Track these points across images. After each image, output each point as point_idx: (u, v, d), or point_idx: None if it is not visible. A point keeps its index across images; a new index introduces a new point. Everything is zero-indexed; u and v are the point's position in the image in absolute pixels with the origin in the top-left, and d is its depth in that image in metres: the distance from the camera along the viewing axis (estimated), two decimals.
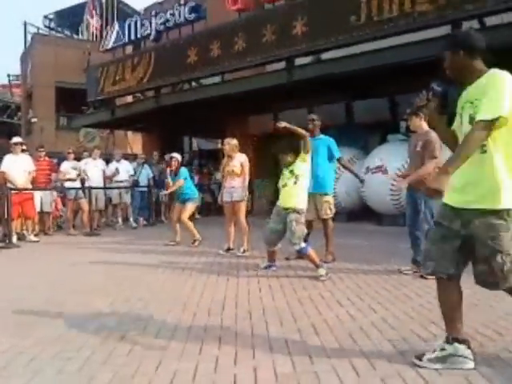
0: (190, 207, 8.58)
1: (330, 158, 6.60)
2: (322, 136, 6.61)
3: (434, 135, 5.43)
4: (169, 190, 8.87)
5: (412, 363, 2.89)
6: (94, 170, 11.35)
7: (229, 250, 7.42)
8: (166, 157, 8.69)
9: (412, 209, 5.60)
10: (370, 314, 3.99)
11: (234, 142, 7.49)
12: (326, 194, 6.44)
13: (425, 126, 5.55)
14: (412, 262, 5.64)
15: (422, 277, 5.30)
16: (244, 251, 7.16)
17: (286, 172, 5.73)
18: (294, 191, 5.61)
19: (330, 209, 6.48)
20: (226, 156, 7.50)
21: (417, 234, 5.57)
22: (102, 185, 11.56)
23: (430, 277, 5.20)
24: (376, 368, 2.86)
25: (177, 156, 8.92)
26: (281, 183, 5.78)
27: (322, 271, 5.39)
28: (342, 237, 7.74)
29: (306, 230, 5.69)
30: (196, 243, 8.29)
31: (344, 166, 7.16)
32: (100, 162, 11.72)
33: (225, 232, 7.61)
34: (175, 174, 8.69)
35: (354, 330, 3.55)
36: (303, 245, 5.50)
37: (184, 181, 8.57)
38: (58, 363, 3.06)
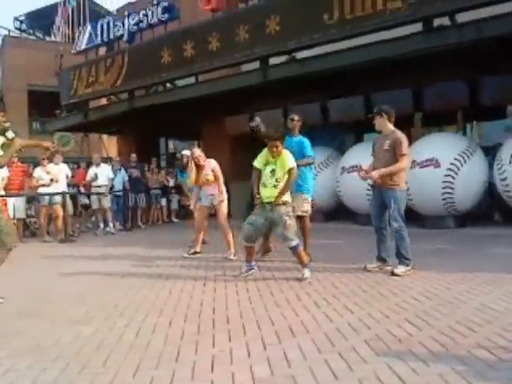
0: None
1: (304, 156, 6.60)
2: (299, 136, 6.62)
3: (400, 134, 5.56)
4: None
5: (388, 363, 2.91)
6: (59, 175, 11.12)
7: (195, 253, 7.43)
8: (179, 155, 8.58)
9: (377, 208, 5.72)
10: (346, 314, 4.01)
11: (198, 152, 7.44)
12: (303, 193, 6.43)
13: (390, 125, 5.65)
14: (377, 259, 5.78)
15: (392, 274, 5.40)
16: (234, 254, 7.01)
17: (267, 170, 5.52)
18: (275, 190, 5.44)
19: (307, 207, 6.48)
20: (195, 165, 7.38)
21: (383, 232, 5.69)
22: (66, 189, 11.37)
23: (402, 274, 5.36)
24: (353, 369, 2.88)
25: (186, 153, 8.64)
26: (262, 180, 5.59)
27: (307, 273, 5.36)
28: (319, 237, 7.76)
29: (295, 224, 5.56)
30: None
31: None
32: (63, 167, 11.49)
33: (195, 237, 7.57)
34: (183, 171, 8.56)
35: (330, 331, 3.56)
36: (298, 240, 5.43)
37: None
38: (34, 374, 3.03)
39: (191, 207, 8.07)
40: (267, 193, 5.48)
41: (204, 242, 8.09)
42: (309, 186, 6.55)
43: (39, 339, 3.70)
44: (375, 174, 5.53)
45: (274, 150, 5.48)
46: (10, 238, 4.85)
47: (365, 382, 2.68)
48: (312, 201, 6.59)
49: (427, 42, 8.91)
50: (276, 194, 5.41)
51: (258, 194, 5.58)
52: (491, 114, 10.90)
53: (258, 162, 5.70)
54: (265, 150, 5.68)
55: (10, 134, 5.01)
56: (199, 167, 7.32)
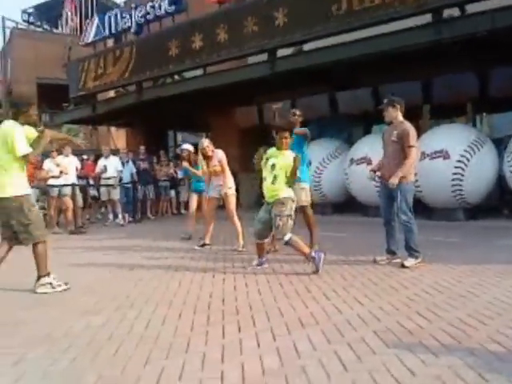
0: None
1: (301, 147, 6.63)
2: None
3: (408, 125, 5.51)
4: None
5: (397, 355, 2.91)
6: (68, 167, 11.13)
7: (204, 245, 7.45)
8: (178, 150, 8.43)
9: (386, 200, 5.69)
10: (356, 306, 4.01)
11: (206, 143, 7.45)
12: (300, 182, 6.40)
13: (400, 116, 5.61)
14: (386, 251, 5.77)
15: (402, 266, 5.39)
16: (243, 246, 7.04)
17: (269, 163, 5.56)
18: (274, 187, 5.48)
19: (306, 195, 6.45)
20: (203, 156, 7.41)
21: (392, 224, 5.67)
22: (76, 181, 11.41)
23: (412, 266, 5.35)
24: (363, 360, 2.88)
25: (187, 147, 8.63)
26: (263, 174, 5.68)
27: (317, 264, 5.29)
28: (328, 229, 7.76)
29: (291, 222, 5.53)
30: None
31: None
32: (73, 159, 11.53)
33: (205, 228, 7.59)
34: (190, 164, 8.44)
35: (340, 323, 3.56)
36: (289, 236, 5.38)
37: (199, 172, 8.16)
38: (44, 364, 3.04)
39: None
40: (268, 191, 5.55)
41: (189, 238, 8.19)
42: (303, 175, 6.53)
43: (50, 329, 3.72)
44: (393, 181, 5.41)
45: (284, 141, 5.55)
46: (39, 232, 4.98)
47: (374, 374, 2.68)
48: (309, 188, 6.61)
49: (437, 34, 8.83)
50: (274, 193, 5.47)
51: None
52: (501, 105, 10.81)
53: (266, 155, 5.80)
54: (273, 148, 5.75)
55: (40, 128, 5.10)
56: (207, 158, 7.33)
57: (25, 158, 4.87)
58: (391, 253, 5.71)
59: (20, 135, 4.82)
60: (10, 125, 4.89)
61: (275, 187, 5.47)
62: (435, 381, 2.58)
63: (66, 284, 5.05)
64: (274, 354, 3.02)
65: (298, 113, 6.72)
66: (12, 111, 5.03)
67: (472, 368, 2.70)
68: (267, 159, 5.66)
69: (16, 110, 5.01)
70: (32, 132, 5.02)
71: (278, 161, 5.52)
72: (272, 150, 5.71)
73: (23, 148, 4.81)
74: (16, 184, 4.88)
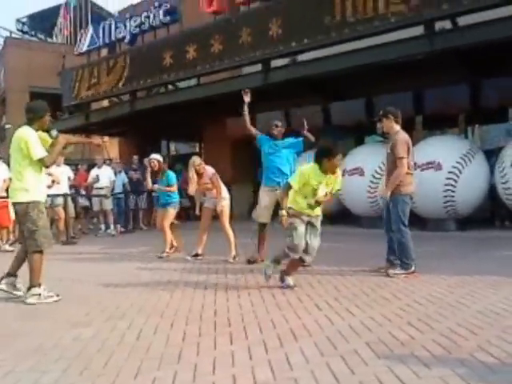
0: (172, 213, 8.17)
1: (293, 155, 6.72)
2: (283, 139, 6.75)
3: (400, 136, 5.51)
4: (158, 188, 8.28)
5: (389, 366, 2.90)
6: (60, 176, 11.08)
7: (197, 255, 7.40)
8: (145, 160, 8.29)
9: (387, 210, 5.70)
10: (348, 317, 4.00)
11: (198, 160, 7.47)
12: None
13: (396, 127, 5.61)
14: (386, 260, 5.78)
15: (386, 274, 5.50)
16: (234, 257, 7.06)
17: (320, 191, 4.97)
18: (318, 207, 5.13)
19: None
20: (196, 174, 7.39)
21: (391, 235, 5.67)
22: (68, 191, 11.35)
23: (393, 275, 5.33)
24: (355, 372, 2.86)
25: (156, 157, 8.42)
26: (308, 199, 5.04)
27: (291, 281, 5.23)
28: (322, 239, 7.72)
29: None
30: (164, 254, 7.84)
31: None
32: (65, 168, 11.47)
33: (198, 237, 7.54)
34: (156, 176, 8.27)
35: (332, 335, 3.55)
36: None
37: (174, 186, 8.15)
38: (35, 376, 3.01)
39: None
40: (312, 207, 5.09)
41: (173, 247, 8.10)
42: None
43: (40, 341, 3.69)
44: (384, 192, 5.60)
45: (337, 163, 4.98)
46: (45, 239, 5.02)
47: None
48: None
49: (429, 45, 8.91)
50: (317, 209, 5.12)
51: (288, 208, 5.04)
52: (493, 117, 10.90)
53: (314, 179, 4.97)
54: (312, 168, 5.06)
55: (53, 133, 5.11)
56: (199, 175, 7.34)
57: (41, 162, 4.91)
58: (389, 262, 5.70)
59: (34, 139, 4.86)
60: (23, 130, 4.94)
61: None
62: None
63: (57, 295, 5.02)
64: (266, 366, 3.00)
65: (280, 124, 6.81)
66: (27, 117, 5.04)
67: (463, 379, 2.69)
68: (319, 183, 4.97)
69: (32, 115, 5.03)
70: (46, 137, 5.07)
71: (332, 188, 5.05)
72: (317, 173, 4.98)
73: (39, 152, 4.86)
74: (28, 190, 4.93)
